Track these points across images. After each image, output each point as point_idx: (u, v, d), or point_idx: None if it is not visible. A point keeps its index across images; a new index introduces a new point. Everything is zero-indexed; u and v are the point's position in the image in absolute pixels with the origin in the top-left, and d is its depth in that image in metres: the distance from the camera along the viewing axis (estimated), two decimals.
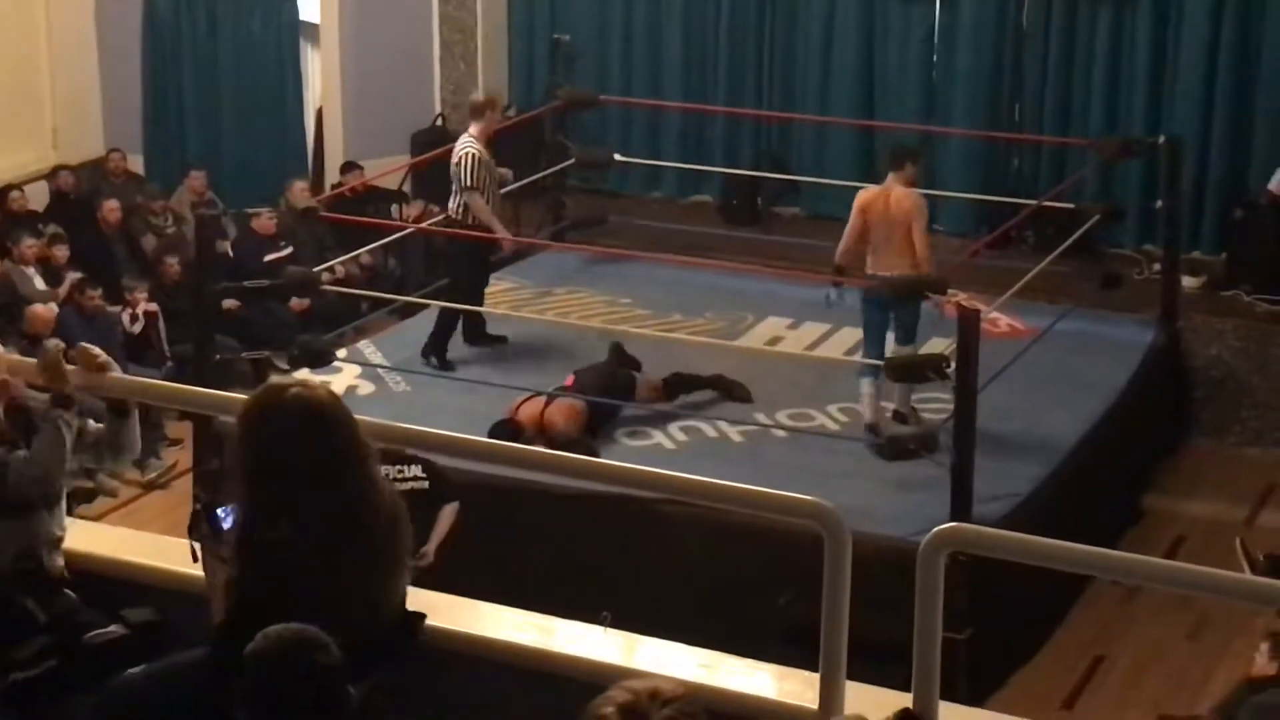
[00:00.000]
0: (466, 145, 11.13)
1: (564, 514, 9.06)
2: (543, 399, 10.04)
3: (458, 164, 11.11)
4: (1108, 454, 10.65)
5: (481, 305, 11.50)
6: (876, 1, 14.32)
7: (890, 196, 10.21)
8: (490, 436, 9.43)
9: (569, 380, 10.29)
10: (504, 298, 12.30)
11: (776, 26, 14.73)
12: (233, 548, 3.68)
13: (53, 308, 11.88)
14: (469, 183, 11.05)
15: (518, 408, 10.05)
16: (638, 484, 4.44)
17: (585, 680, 3.60)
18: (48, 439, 4.52)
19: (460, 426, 9.09)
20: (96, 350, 4.56)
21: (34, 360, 4.61)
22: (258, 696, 3.28)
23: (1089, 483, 10.32)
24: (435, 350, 11.16)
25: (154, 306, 12.46)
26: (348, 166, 14.54)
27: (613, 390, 10.35)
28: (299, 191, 13.66)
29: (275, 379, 3.88)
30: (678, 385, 10.55)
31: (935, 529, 3.72)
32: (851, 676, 3.86)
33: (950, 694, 3.85)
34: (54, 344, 4.66)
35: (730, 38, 14.89)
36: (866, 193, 10.58)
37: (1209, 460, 11.96)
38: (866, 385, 10.13)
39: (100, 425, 4.67)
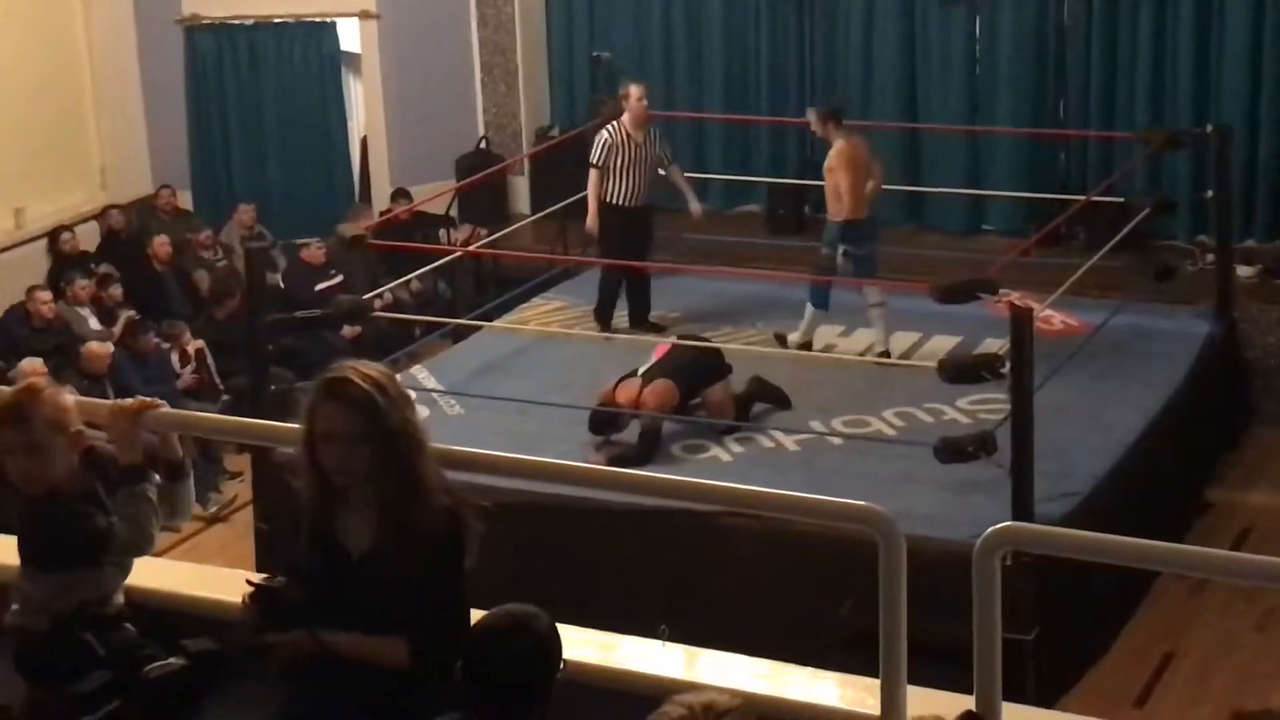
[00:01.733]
0: (604, 129, 11.90)
1: (622, 529, 9.05)
2: (639, 380, 10.11)
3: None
4: (1169, 448, 10.56)
5: (637, 284, 12.09)
6: (916, 5, 14.29)
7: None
8: (591, 420, 9.94)
9: (661, 350, 10.39)
10: (554, 316, 12.31)
11: (816, 34, 14.73)
12: None
13: (108, 346, 11.95)
14: (592, 159, 11.88)
15: (614, 390, 10.15)
16: (693, 497, 4.43)
17: (647, 695, 3.58)
18: (133, 513, 4.42)
19: (514, 448, 9.08)
20: (122, 406, 4.49)
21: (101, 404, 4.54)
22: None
23: (1151, 478, 10.24)
24: (599, 316, 11.96)
25: (199, 343, 12.51)
26: (398, 193, 14.60)
27: (703, 370, 10.37)
28: (361, 217, 13.78)
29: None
30: (745, 403, 10.54)
31: (990, 529, 3.69)
32: (917, 681, 3.84)
33: (1019, 695, 3.82)
34: (126, 402, 4.54)
35: (770, 46, 14.89)
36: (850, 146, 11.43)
37: (1272, 450, 11.84)
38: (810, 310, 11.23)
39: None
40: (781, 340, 11.53)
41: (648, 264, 12.28)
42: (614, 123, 11.91)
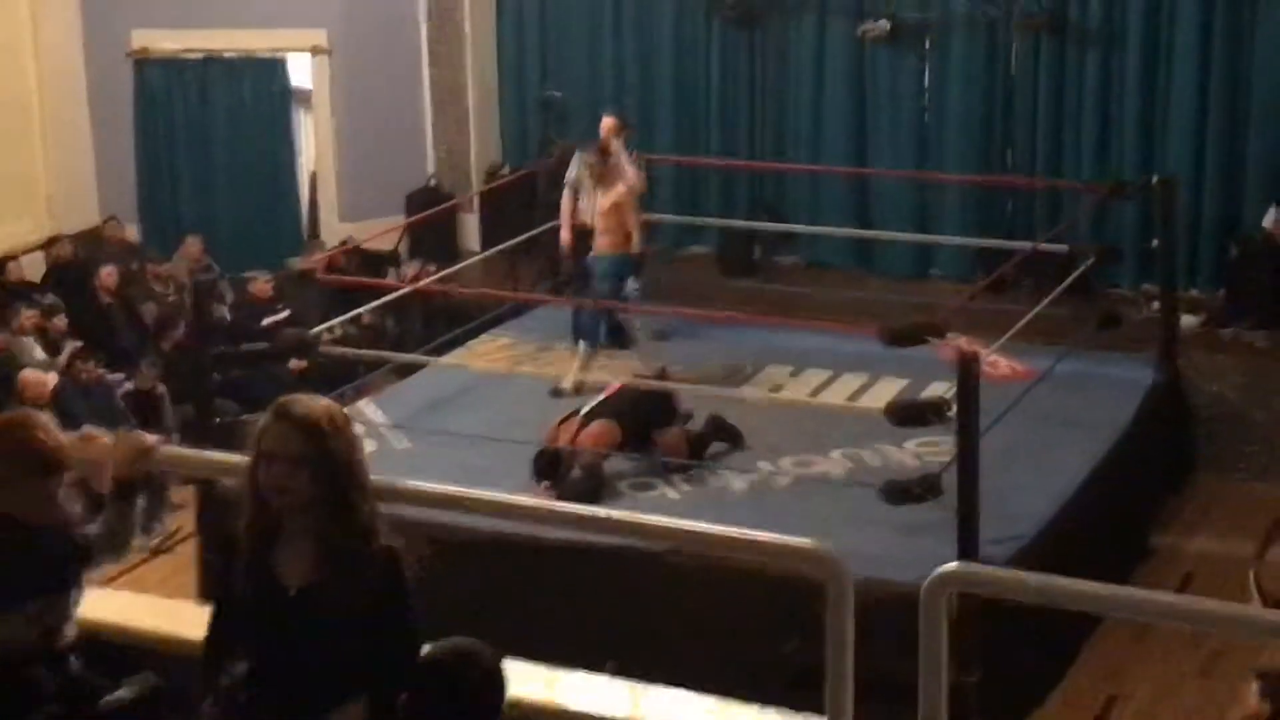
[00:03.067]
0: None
1: (570, 565, 9.01)
2: (578, 421, 10.13)
3: None
4: (1113, 493, 10.61)
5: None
6: (866, 49, 14.38)
7: None
8: (533, 465, 9.89)
9: (613, 388, 10.40)
10: (501, 354, 12.30)
11: (767, 78, 14.81)
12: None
13: (51, 375, 11.84)
14: (565, 177, 12.17)
15: (556, 430, 10.18)
16: (641, 535, 4.42)
17: None
18: (124, 529, 4.46)
19: (462, 483, 9.06)
20: (143, 436, 4.53)
21: (107, 442, 4.55)
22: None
23: (1095, 523, 10.28)
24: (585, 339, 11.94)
25: (161, 389, 12.44)
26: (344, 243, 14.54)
27: (653, 413, 10.39)
28: (314, 252, 13.80)
29: None
30: (695, 447, 10.54)
31: (937, 570, 3.71)
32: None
33: None
34: (145, 436, 4.56)
35: (721, 89, 14.97)
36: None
37: (1215, 497, 11.92)
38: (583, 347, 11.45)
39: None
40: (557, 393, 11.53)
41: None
42: (588, 148, 12.11)
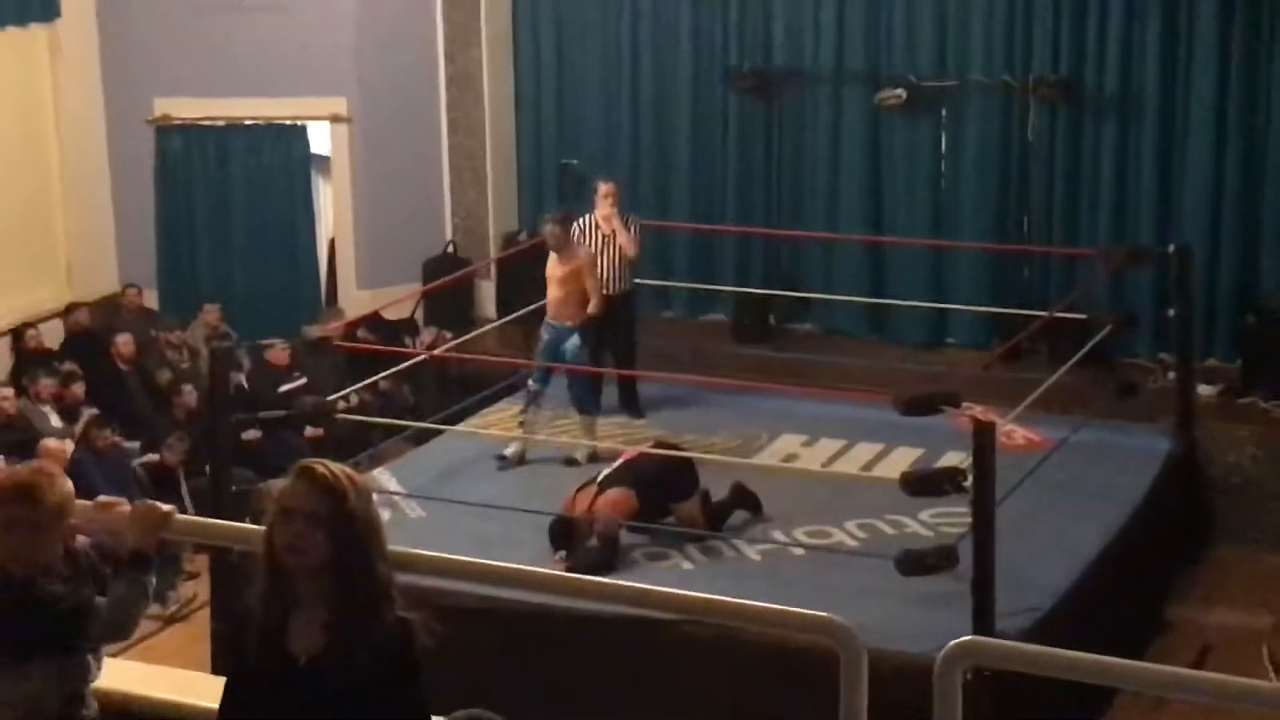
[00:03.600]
0: (578, 219, 12.34)
1: (583, 635, 8.99)
2: (594, 488, 10.15)
3: None
4: (1129, 564, 10.57)
5: (606, 366, 12.39)
6: (882, 117, 14.43)
7: None
8: (550, 534, 9.94)
9: (630, 454, 10.44)
10: (518, 420, 12.30)
11: (783, 145, 14.85)
12: None
13: (66, 444, 11.87)
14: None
15: (573, 498, 10.21)
16: (655, 605, 4.42)
17: None
18: (135, 597, 4.46)
19: (476, 552, 9.06)
20: (158, 506, 4.54)
21: (125, 509, 4.56)
22: None
23: (1112, 594, 10.24)
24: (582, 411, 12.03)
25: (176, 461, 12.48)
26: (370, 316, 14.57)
27: (670, 484, 10.37)
28: (333, 319, 13.92)
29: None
30: (715, 516, 10.53)
31: (951, 643, 3.69)
32: None
33: None
34: (160, 506, 4.57)
35: (738, 156, 15.03)
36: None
37: (1232, 568, 11.87)
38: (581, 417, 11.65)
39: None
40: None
41: (609, 370, 12.34)
42: (587, 214, 12.33)
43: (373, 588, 3.89)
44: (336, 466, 3.94)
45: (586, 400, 11.84)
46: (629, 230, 12.31)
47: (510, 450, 11.65)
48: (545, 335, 11.88)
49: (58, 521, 4.41)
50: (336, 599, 3.89)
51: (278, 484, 4.03)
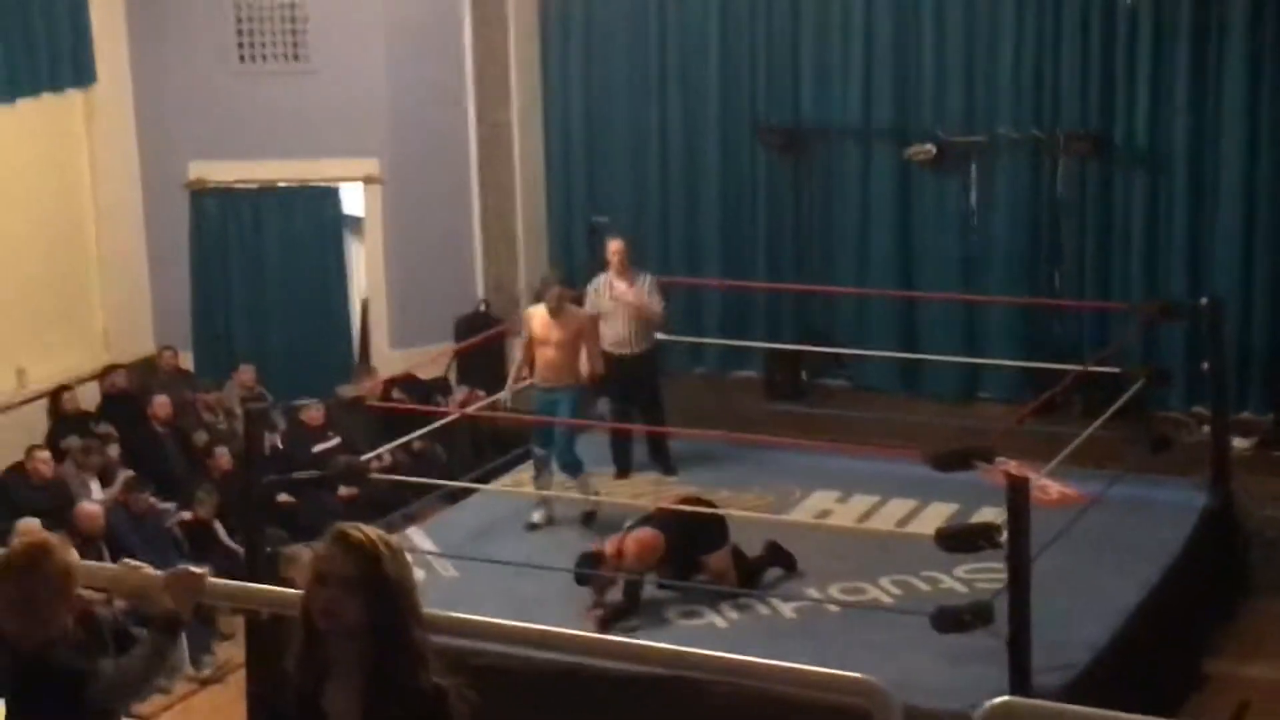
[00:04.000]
0: (596, 278, 12.47)
1: (617, 695, 8.98)
2: (622, 534, 10.22)
3: None
4: (1166, 619, 10.52)
5: (633, 422, 12.52)
6: (912, 172, 14.46)
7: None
8: (576, 566, 10.00)
9: (664, 502, 10.55)
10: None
11: (813, 201, 14.88)
12: None
13: (99, 507, 11.86)
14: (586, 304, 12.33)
15: (604, 543, 10.28)
16: (687, 666, 4.41)
17: None
18: (148, 657, 4.46)
19: (510, 611, 9.07)
20: (192, 572, 4.54)
21: (159, 575, 4.55)
22: None
23: (1149, 649, 10.19)
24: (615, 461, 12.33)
25: (211, 519, 12.51)
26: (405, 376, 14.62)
27: (699, 534, 10.37)
28: (365, 378, 14.08)
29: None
30: (748, 573, 10.51)
31: (988, 703, 3.69)
32: None
33: None
34: (194, 571, 4.55)
35: (768, 213, 15.06)
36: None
37: (1270, 621, 11.77)
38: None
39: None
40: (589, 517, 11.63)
41: (637, 426, 12.36)
42: (602, 274, 12.38)
43: (409, 652, 3.89)
44: (371, 530, 3.95)
45: (572, 461, 11.77)
46: (640, 287, 12.30)
47: (537, 516, 11.63)
48: (537, 404, 11.82)
49: (62, 594, 4.41)
50: (372, 664, 3.89)
51: (300, 549, 4.06)
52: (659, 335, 12.71)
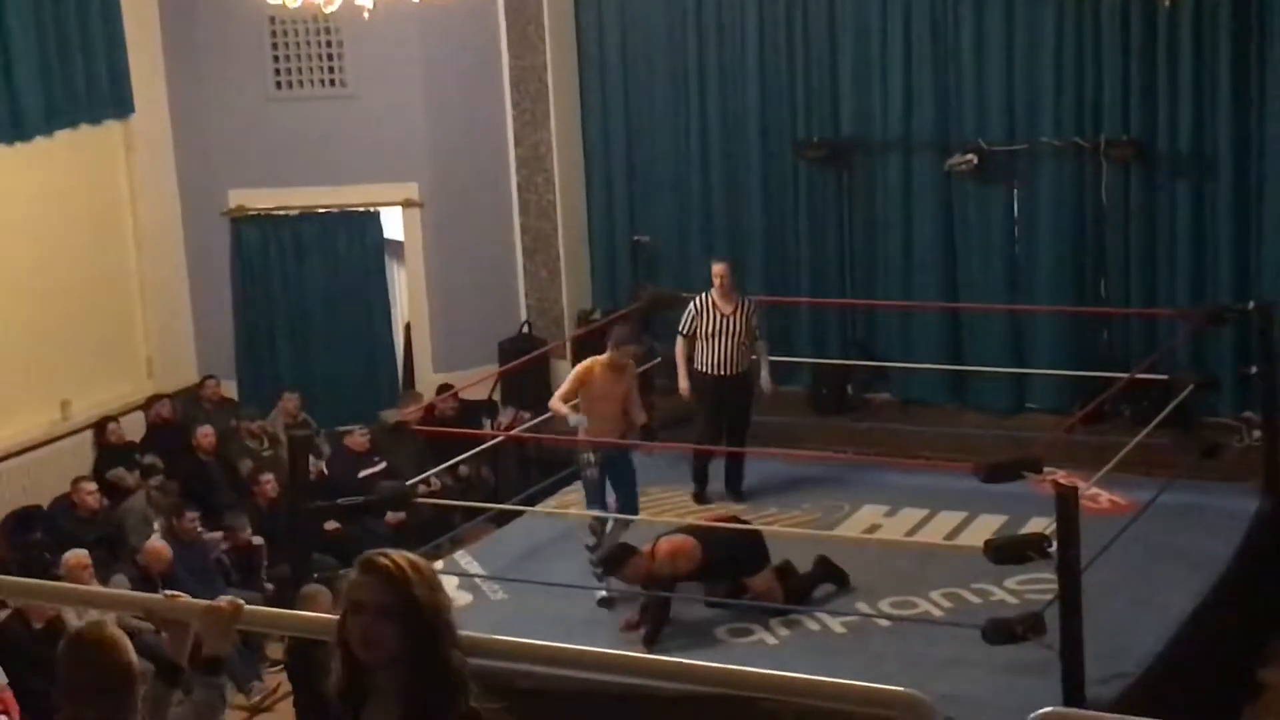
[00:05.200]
0: (694, 299, 12.38)
1: (665, 715, 8.92)
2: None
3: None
4: (1220, 628, 10.40)
5: (720, 444, 12.31)
6: (953, 183, 14.38)
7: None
8: (603, 561, 10.13)
9: (713, 515, 10.51)
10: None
11: (855, 214, 14.82)
12: None
13: (168, 546, 11.81)
14: (679, 328, 12.34)
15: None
16: (731, 684, 4.35)
17: None
18: (209, 702, 4.44)
19: (558, 634, 9.06)
20: (222, 607, 4.49)
21: (197, 604, 4.53)
22: None
23: (1204, 658, 10.08)
24: (696, 487, 12.21)
25: (259, 540, 12.51)
26: (443, 389, 14.61)
27: (735, 558, 10.30)
28: (410, 403, 14.00)
29: None
30: (799, 590, 10.45)
31: (1033, 715, 3.63)
32: None
33: None
34: (224, 606, 4.51)
35: (810, 226, 15.01)
36: None
37: None
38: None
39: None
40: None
41: (691, 446, 12.29)
42: (704, 293, 12.30)
43: (446, 676, 3.86)
44: (400, 555, 3.92)
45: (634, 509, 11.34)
46: (748, 311, 12.24)
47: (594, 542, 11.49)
48: (595, 469, 11.05)
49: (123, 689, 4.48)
50: (410, 690, 3.86)
51: (317, 587, 4.05)
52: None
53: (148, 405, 14.56)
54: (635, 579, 10.11)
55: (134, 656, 4.54)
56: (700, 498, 12.23)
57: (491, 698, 3.97)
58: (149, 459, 13.52)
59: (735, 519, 10.82)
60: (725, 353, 12.16)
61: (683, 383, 12.31)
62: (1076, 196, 14.03)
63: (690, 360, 12.28)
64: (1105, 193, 13.91)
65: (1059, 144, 13.94)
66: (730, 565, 10.29)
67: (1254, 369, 12.16)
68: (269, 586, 12.26)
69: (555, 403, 11.22)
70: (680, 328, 12.33)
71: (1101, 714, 4.20)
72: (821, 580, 10.60)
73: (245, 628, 4.57)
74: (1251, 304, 12.26)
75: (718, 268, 12.36)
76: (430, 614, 3.86)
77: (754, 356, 12.32)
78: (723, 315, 12.16)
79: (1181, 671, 9.61)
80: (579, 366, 11.26)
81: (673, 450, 12.49)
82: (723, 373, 12.15)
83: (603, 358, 11.20)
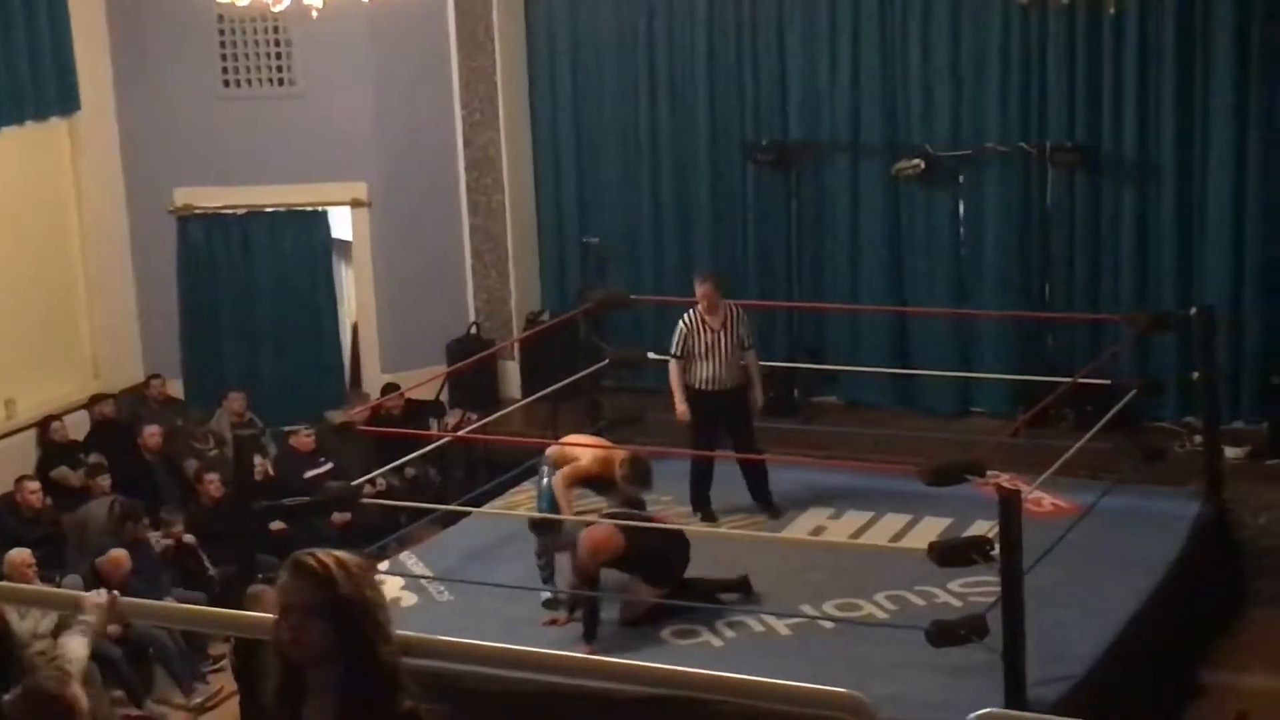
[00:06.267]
0: (682, 317, 12.17)
1: (609, 716, 8.95)
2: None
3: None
4: (1161, 630, 10.49)
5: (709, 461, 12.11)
6: (901, 187, 14.44)
7: None
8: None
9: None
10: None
11: (803, 217, 14.86)
12: None
13: (126, 556, 11.68)
14: (671, 350, 12.13)
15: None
16: (672, 684, 4.38)
17: None
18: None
19: (503, 634, 9.06)
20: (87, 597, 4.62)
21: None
22: None
23: (1145, 660, 10.17)
24: (695, 504, 12.01)
25: (190, 538, 12.44)
26: (388, 388, 14.59)
27: (661, 551, 10.42)
28: (355, 404, 13.75)
29: None
30: (685, 592, 10.50)
31: (972, 715, 3.67)
32: None
33: None
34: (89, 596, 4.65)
35: (758, 231, 15.04)
36: None
37: (1266, 631, 11.75)
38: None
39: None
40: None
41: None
42: (692, 310, 12.12)
43: (378, 674, 3.87)
44: (327, 554, 3.93)
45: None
46: (736, 321, 12.07)
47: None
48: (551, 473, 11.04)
49: None
50: (343, 688, 3.88)
51: (262, 587, 4.08)
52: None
53: (92, 404, 14.49)
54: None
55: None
56: (710, 518, 11.98)
57: (436, 699, 3.97)
58: (93, 458, 13.45)
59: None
60: (719, 369, 11.98)
61: (679, 405, 12.09)
62: (1022, 201, 14.11)
63: (685, 381, 12.07)
64: (1050, 198, 13.99)
65: (1005, 149, 14.02)
66: (651, 562, 10.31)
67: (1196, 374, 12.25)
68: (212, 574, 12.19)
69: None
70: (673, 350, 12.10)
71: (1042, 715, 4.24)
72: (726, 589, 10.60)
73: (190, 628, 4.61)
74: (1194, 309, 12.35)
75: (701, 290, 12.16)
76: (358, 612, 3.87)
77: (743, 364, 12.09)
78: (713, 331, 11.99)
79: (1123, 674, 9.69)
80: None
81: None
82: (717, 388, 11.99)
83: None
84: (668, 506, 11.92)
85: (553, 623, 10.30)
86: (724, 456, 12.10)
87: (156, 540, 12.32)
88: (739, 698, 4.31)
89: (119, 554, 11.59)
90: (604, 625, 10.18)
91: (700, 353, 12.00)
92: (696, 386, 12.04)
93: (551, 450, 11.10)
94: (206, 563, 12.40)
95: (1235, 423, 13.18)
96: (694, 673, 4.28)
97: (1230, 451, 12.49)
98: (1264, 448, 12.74)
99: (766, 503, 12.04)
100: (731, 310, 12.15)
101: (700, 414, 12.06)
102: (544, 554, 10.70)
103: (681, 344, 12.06)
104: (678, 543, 10.54)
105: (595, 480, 11.07)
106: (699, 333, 12.01)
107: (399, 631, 3.97)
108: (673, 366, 12.11)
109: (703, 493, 12.05)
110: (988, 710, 3.82)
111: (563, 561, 10.55)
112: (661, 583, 10.41)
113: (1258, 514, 12.13)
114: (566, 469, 10.94)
